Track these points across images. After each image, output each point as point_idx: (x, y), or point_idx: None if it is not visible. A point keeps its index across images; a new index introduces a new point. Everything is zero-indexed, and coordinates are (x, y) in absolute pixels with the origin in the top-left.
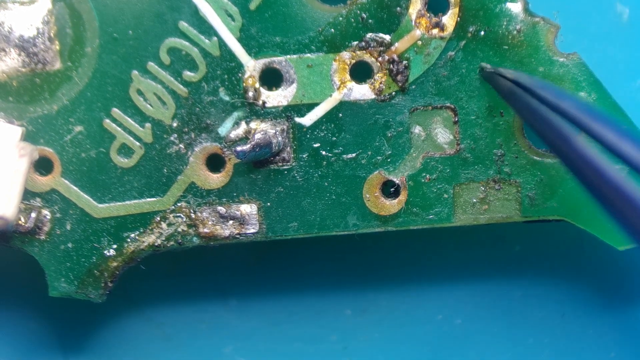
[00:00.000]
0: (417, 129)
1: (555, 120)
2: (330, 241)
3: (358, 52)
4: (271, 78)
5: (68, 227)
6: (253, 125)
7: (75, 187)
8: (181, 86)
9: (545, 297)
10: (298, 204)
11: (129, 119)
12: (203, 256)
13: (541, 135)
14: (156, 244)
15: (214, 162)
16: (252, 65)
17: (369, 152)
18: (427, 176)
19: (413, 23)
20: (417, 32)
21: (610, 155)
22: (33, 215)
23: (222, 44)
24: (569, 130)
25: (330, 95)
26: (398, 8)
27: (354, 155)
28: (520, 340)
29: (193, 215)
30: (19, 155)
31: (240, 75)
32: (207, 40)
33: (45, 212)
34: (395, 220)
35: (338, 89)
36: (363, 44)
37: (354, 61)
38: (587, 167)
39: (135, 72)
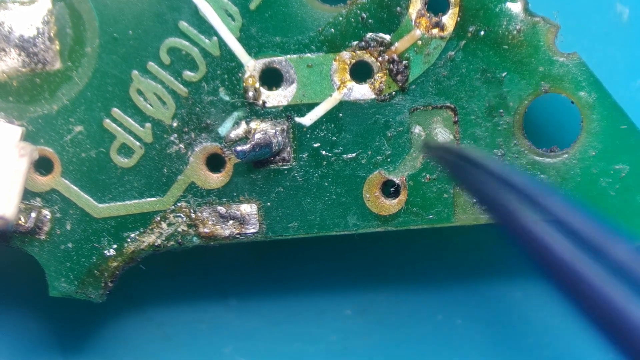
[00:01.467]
0: (417, 129)
1: (502, 194)
2: (330, 241)
3: (358, 52)
4: (271, 78)
5: (68, 227)
6: (253, 125)
7: (75, 187)
8: (181, 86)
9: (545, 297)
10: (298, 204)
11: (129, 119)
12: (203, 256)
13: (488, 209)
14: (156, 244)
15: (214, 162)
16: (252, 65)
17: (369, 152)
18: (427, 176)
19: (413, 23)
20: (417, 32)
21: (557, 227)
22: (33, 215)
23: (222, 44)
24: (515, 204)
25: (330, 95)
26: (398, 8)
27: (354, 155)
28: (520, 340)
29: (193, 215)
30: (19, 155)
31: (240, 75)
32: (207, 40)
33: (45, 212)
34: (395, 220)
35: (338, 88)
36: (363, 43)
37: (354, 61)
38: (533, 241)
39: (135, 72)
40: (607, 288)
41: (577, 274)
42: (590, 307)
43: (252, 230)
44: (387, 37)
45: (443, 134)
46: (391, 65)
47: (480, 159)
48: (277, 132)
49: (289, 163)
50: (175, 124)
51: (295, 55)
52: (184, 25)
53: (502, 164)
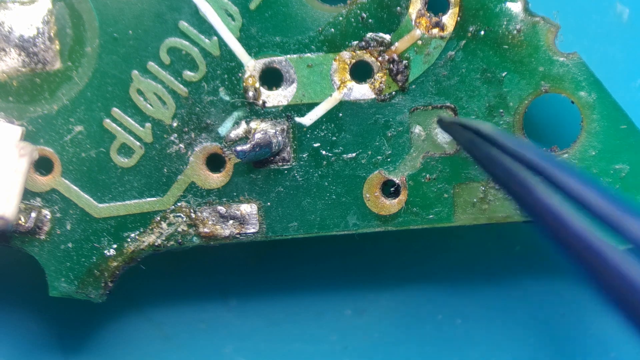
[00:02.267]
0: (417, 129)
1: (517, 169)
2: (330, 241)
3: (358, 52)
4: (271, 78)
5: (68, 227)
6: (253, 125)
7: (75, 187)
8: (181, 86)
9: (545, 297)
10: (298, 204)
11: (129, 119)
12: (203, 256)
13: (502, 185)
14: (156, 244)
15: (214, 162)
16: (252, 65)
17: (369, 152)
18: (427, 176)
19: (413, 23)
20: (417, 32)
21: (572, 203)
22: (33, 215)
23: (222, 44)
24: (530, 180)
25: (331, 95)
26: (398, 8)
27: (354, 155)
28: (520, 340)
29: (193, 215)
30: (19, 155)
31: (240, 75)
32: (207, 40)
33: (45, 212)
34: (395, 220)
35: (338, 88)
36: (363, 43)
37: (354, 61)
38: (549, 217)
39: (135, 72)
40: (622, 262)
41: (591, 248)
42: (605, 281)
43: (252, 230)
44: (387, 37)
45: (443, 134)
46: (391, 65)
47: (495, 134)
48: (277, 132)
49: (289, 163)
50: (175, 124)
51: (295, 55)
52: (184, 25)
53: (516, 139)
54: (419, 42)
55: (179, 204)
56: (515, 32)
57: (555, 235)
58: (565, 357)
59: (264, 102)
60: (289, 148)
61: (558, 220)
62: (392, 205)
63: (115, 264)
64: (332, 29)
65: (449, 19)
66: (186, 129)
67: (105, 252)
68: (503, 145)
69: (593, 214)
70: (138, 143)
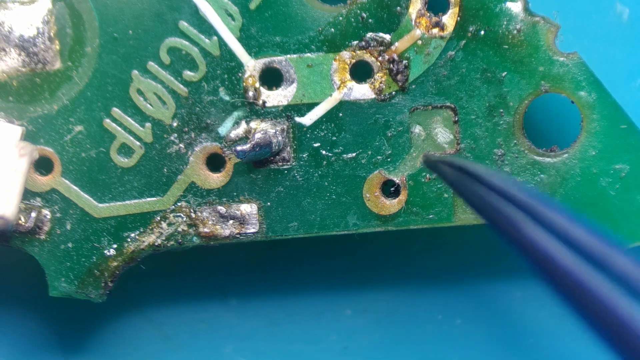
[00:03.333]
0: (417, 129)
1: (504, 207)
2: (330, 241)
3: (358, 52)
4: (271, 78)
5: (68, 227)
6: (253, 124)
7: (75, 187)
8: (181, 86)
9: (545, 297)
10: (298, 204)
11: (129, 119)
12: (203, 256)
13: (490, 222)
14: (156, 244)
15: (214, 162)
16: (252, 65)
17: (369, 152)
18: (427, 176)
19: (413, 23)
20: (417, 32)
21: (560, 240)
22: (33, 215)
23: (222, 44)
24: (518, 217)
25: (331, 95)
26: (398, 8)
27: (354, 154)
28: (520, 340)
29: (193, 215)
30: (19, 155)
31: (240, 74)
32: (207, 40)
33: (45, 212)
34: (395, 220)
35: (338, 88)
36: (363, 43)
37: (354, 61)
38: (538, 253)
39: (135, 72)
40: (610, 296)
41: (580, 284)
42: (594, 316)
43: (252, 230)
44: (387, 36)
45: (443, 134)
46: (391, 65)
47: (480, 171)
48: (277, 132)
49: (289, 163)
50: (175, 124)
51: (295, 55)
52: (184, 25)
53: (502, 176)
54: (419, 42)
55: (179, 203)
56: (515, 32)
57: (542, 269)
58: (565, 357)
59: (264, 102)
60: (289, 148)
61: (544, 255)
62: (392, 205)
63: (115, 263)
64: (332, 29)
65: (449, 19)
66: (186, 129)
67: (105, 252)
68: (490, 183)
69: (579, 250)
70: (138, 143)
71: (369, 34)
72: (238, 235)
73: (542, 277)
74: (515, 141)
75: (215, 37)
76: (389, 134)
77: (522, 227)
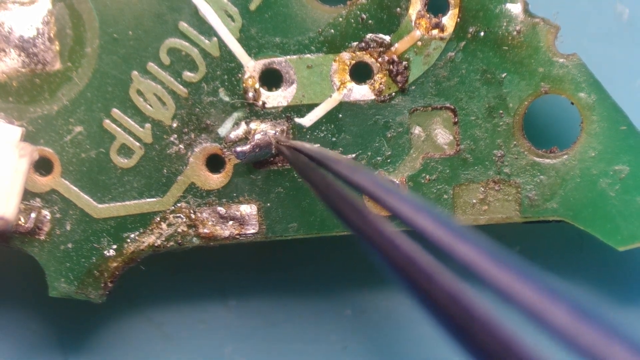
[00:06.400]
0: (417, 130)
1: (349, 195)
2: (330, 241)
3: (358, 53)
4: (271, 79)
5: (68, 228)
6: (253, 125)
7: (75, 188)
8: (181, 87)
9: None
10: (298, 205)
11: (129, 120)
12: (203, 256)
13: (334, 210)
14: (156, 245)
15: (214, 163)
16: (252, 66)
17: (369, 153)
18: (427, 177)
19: (413, 24)
20: (417, 33)
21: (404, 225)
22: (33, 215)
23: (222, 45)
24: (362, 204)
25: (330, 96)
26: (398, 9)
27: (353, 155)
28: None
29: (193, 216)
30: (19, 156)
31: (240, 75)
32: (207, 41)
33: (45, 212)
34: (395, 221)
35: (338, 89)
36: (363, 44)
37: (353, 62)
38: (380, 239)
39: (135, 73)
40: (450, 283)
41: (420, 271)
42: (433, 299)
43: (252, 231)
44: (387, 38)
45: (443, 135)
46: (391, 66)
47: (327, 158)
48: (277, 133)
49: (289, 164)
50: (175, 125)
51: (295, 56)
52: (183, 26)
53: (348, 161)
54: (419, 43)
55: (178, 204)
56: (515, 33)
57: (386, 255)
58: (565, 357)
59: (263, 103)
60: None
61: (388, 242)
62: None
63: (115, 264)
64: (332, 30)
65: (449, 20)
66: (186, 130)
67: (105, 252)
68: (336, 170)
69: (424, 236)
70: (138, 144)
71: (369, 35)
72: (238, 236)
73: (383, 261)
74: (515, 142)
75: (215, 38)
76: (389, 135)
77: (365, 213)
